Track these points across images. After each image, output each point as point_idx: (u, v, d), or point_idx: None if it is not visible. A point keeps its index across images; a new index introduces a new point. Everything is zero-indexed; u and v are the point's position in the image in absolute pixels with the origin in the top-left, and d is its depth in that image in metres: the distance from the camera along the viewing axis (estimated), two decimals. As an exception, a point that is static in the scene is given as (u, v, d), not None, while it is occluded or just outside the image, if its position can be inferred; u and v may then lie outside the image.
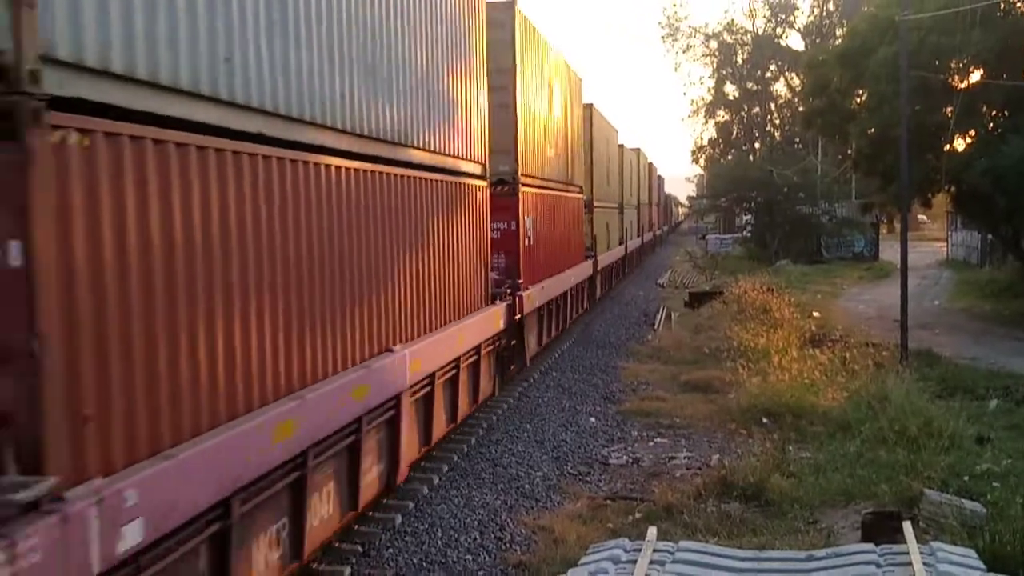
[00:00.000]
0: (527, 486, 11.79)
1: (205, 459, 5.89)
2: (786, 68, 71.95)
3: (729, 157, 73.77)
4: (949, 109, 24.74)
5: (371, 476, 9.44)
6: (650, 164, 61.60)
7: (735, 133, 79.50)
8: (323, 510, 8.28)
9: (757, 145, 75.59)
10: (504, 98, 15.89)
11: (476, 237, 13.67)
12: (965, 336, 24.04)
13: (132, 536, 5.15)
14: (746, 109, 78.17)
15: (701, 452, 13.36)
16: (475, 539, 9.86)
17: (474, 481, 11.88)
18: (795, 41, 72.70)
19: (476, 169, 13.71)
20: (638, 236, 46.66)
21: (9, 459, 4.47)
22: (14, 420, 4.55)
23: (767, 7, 72.53)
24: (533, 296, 17.41)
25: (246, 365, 6.62)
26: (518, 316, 16.03)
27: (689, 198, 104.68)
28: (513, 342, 16.19)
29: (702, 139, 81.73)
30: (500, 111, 15.53)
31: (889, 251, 45.38)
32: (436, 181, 11.52)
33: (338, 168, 8.38)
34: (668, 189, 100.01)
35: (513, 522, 10.37)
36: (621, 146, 39.09)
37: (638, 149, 49.48)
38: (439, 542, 9.75)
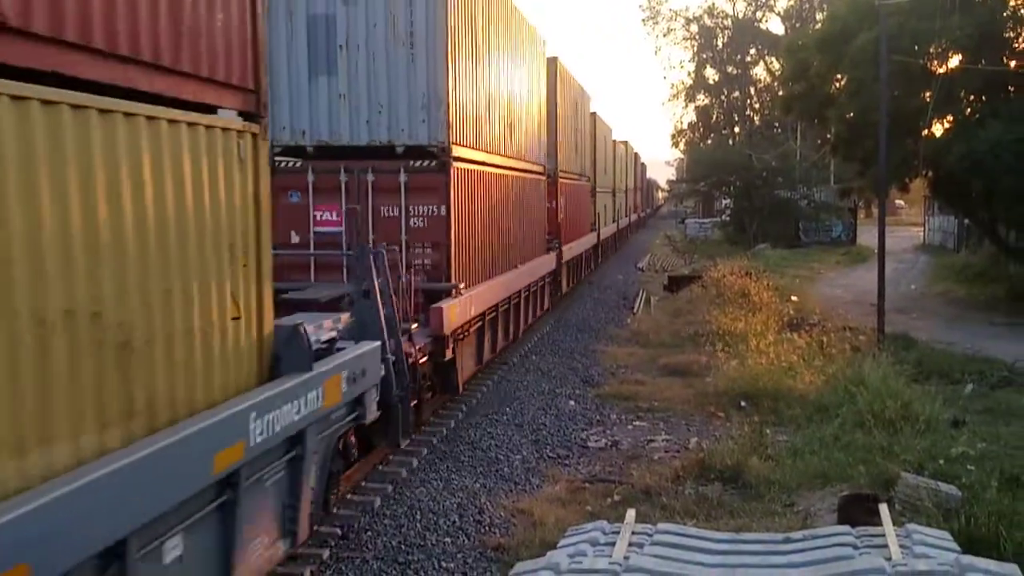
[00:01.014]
0: (506, 469, 11.81)
1: (488, 290, 15.55)
2: (766, 52, 71.93)
3: (709, 141, 73.82)
4: (928, 94, 24.80)
5: (511, 329, 18.52)
6: (636, 154, 69.10)
7: (715, 117, 79.46)
8: (500, 336, 17.72)
9: (737, 129, 75.61)
10: (551, 120, 24.65)
11: (542, 209, 22.72)
12: (941, 320, 24.23)
13: (474, 310, 14.58)
14: (726, 93, 78.09)
15: (679, 435, 13.41)
16: (454, 522, 9.87)
17: (453, 464, 11.88)
18: (775, 25, 72.74)
19: (541, 169, 22.33)
20: (626, 216, 55.71)
21: (443, 277, 13.64)
22: (441, 269, 13.64)
23: (747, -9, 72.42)
24: (567, 251, 26.49)
25: (494, 260, 16.63)
26: (563, 261, 25.69)
27: (669, 182, 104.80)
28: (558, 279, 25.76)
29: (682, 123, 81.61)
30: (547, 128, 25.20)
31: (866, 235, 45.64)
32: (527, 178, 20.21)
33: (499, 175, 17.16)
34: (648, 173, 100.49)
35: (492, 505, 10.38)
36: (615, 141, 46.37)
37: (626, 142, 55.72)
38: (418, 525, 9.75)
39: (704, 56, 76.29)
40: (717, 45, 75.53)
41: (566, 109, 27.55)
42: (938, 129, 26.70)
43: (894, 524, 6.63)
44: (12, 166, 4.65)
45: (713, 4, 75.19)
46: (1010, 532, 8.17)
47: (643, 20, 77.57)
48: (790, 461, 11.39)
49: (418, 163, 13.53)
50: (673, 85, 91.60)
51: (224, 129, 6.66)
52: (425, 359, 12.31)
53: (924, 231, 53.31)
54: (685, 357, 18.53)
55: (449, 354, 13.10)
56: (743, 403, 14.74)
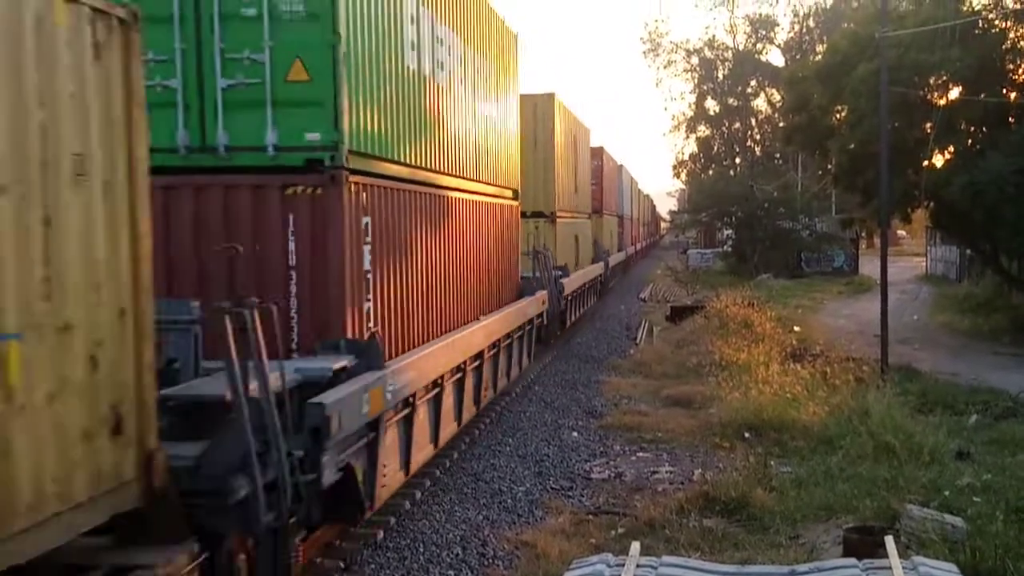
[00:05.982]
0: (509, 501, 11.76)
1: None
2: (767, 84, 72.35)
3: (710, 172, 74.06)
4: (928, 125, 24.90)
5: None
6: (645, 193, 74.80)
7: (716, 148, 79.82)
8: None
9: (738, 160, 75.92)
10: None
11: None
12: (944, 351, 24.18)
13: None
14: (727, 124, 78.48)
15: (683, 467, 13.36)
16: (457, 555, 9.82)
17: (456, 496, 11.83)
18: (776, 57, 73.14)
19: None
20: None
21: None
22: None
23: (748, 23, 72.98)
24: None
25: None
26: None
27: (671, 212, 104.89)
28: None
29: (683, 154, 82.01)
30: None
31: (868, 266, 45.64)
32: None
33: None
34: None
35: (495, 537, 10.33)
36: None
37: (649, 195, 62.50)
38: (421, 558, 9.70)
39: (705, 88, 76.74)
40: (718, 77, 75.97)
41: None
42: (939, 160, 26.79)
43: (900, 557, 6.60)
44: None
45: (713, 36, 75.74)
46: (1016, 565, 8.13)
47: (644, 53, 77.97)
48: (794, 493, 11.34)
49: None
50: (674, 116, 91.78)
51: None
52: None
53: (926, 261, 53.30)
54: (688, 388, 18.48)
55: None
56: (747, 434, 14.69)
